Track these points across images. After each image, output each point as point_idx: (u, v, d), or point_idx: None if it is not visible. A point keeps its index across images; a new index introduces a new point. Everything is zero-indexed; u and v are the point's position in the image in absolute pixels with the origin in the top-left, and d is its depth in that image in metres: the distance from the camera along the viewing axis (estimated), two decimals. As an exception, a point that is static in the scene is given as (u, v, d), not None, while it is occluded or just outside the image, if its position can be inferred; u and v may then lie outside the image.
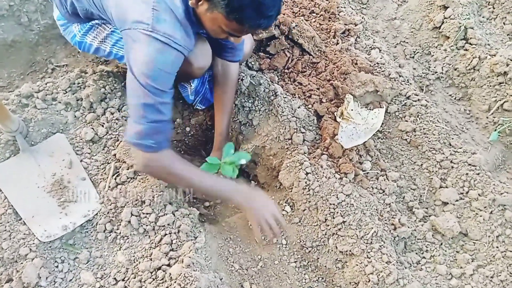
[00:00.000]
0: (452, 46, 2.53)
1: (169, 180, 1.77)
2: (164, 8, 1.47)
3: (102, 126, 1.97)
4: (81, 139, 1.93)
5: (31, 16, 2.36)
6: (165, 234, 1.69)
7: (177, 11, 1.50)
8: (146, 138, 1.55)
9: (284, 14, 2.35)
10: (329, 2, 2.59)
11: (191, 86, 2.14)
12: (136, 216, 1.72)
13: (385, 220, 1.91)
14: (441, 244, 1.93)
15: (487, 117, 2.37)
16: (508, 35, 2.67)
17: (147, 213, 1.73)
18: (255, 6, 1.38)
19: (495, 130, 2.30)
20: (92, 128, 1.95)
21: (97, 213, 1.75)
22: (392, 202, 1.98)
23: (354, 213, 1.83)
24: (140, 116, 1.52)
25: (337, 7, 2.61)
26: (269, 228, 1.74)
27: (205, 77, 2.15)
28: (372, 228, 1.80)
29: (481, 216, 1.95)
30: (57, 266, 1.64)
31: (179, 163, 1.68)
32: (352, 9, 2.71)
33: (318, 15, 2.55)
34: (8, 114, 1.79)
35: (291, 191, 1.94)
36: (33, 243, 1.64)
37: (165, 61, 1.48)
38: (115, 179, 1.82)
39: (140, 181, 1.79)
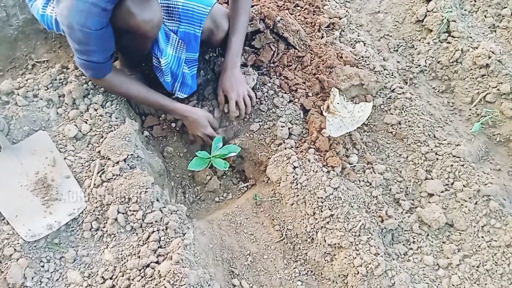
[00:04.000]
0: (435, 39, 2.55)
1: (117, 95, 2.02)
2: None
3: (86, 122, 1.93)
4: (64, 136, 1.89)
5: (9, 11, 2.30)
6: (153, 231, 1.67)
7: None
8: (84, 70, 1.81)
9: (268, 8, 2.34)
10: (313, -5, 2.59)
11: (159, 60, 1.93)
12: (123, 213, 1.70)
13: (373, 212, 1.93)
14: (428, 235, 1.95)
15: (470, 109, 2.40)
16: (489, 27, 2.71)
17: (134, 210, 1.70)
18: None
19: (478, 121, 2.33)
20: (75, 125, 1.91)
21: (82, 211, 1.71)
22: (379, 195, 1.99)
23: (342, 206, 1.83)
24: (74, 52, 1.73)
25: (321, 1, 2.61)
26: (201, 140, 2.08)
27: (180, 58, 2.01)
28: (359, 220, 1.81)
29: (466, 207, 1.97)
30: (43, 266, 1.61)
31: (121, 83, 1.91)
32: (336, 2, 2.71)
33: (303, 9, 2.54)
34: (-12, 111, 1.76)
35: (279, 186, 1.94)
36: (18, 243, 1.60)
37: (79, 20, 1.52)
38: (100, 176, 1.78)
39: (126, 178, 1.76)
